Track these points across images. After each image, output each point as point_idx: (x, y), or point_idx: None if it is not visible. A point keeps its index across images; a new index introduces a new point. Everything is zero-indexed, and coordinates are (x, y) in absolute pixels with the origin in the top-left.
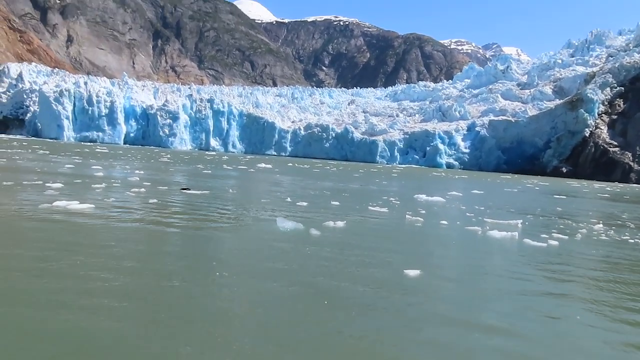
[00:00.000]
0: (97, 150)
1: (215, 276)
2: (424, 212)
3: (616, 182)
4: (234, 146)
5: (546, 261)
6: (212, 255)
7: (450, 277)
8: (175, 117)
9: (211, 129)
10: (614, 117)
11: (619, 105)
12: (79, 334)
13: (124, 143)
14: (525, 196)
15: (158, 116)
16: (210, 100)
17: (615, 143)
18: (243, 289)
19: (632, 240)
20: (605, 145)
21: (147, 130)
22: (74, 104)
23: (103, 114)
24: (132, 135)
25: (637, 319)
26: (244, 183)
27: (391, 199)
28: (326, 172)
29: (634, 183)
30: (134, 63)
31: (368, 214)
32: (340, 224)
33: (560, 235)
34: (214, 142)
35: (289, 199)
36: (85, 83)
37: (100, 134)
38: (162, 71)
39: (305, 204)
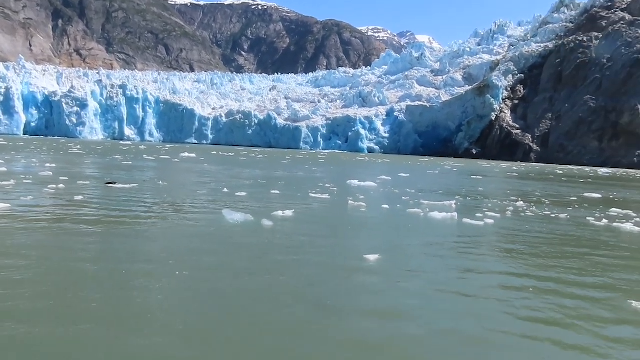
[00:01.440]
0: None
1: (174, 276)
2: (362, 197)
3: (519, 162)
4: (151, 135)
5: (492, 239)
6: (162, 255)
7: (412, 263)
8: (83, 105)
9: (125, 117)
10: (516, 102)
11: (520, 91)
12: None
13: (24, 134)
14: (448, 178)
15: (63, 104)
16: (123, 86)
17: (517, 126)
18: (202, 288)
19: (554, 215)
20: (509, 128)
21: (51, 120)
22: None
23: None
24: (33, 125)
25: (584, 292)
26: (171, 174)
27: (327, 185)
28: (253, 159)
29: (533, 162)
30: (31, 45)
31: (311, 201)
32: (288, 213)
33: (493, 214)
34: (128, 131)
35: (225, 190)
36: None
37: None
38: (65, 54)
39: (244, 194)
